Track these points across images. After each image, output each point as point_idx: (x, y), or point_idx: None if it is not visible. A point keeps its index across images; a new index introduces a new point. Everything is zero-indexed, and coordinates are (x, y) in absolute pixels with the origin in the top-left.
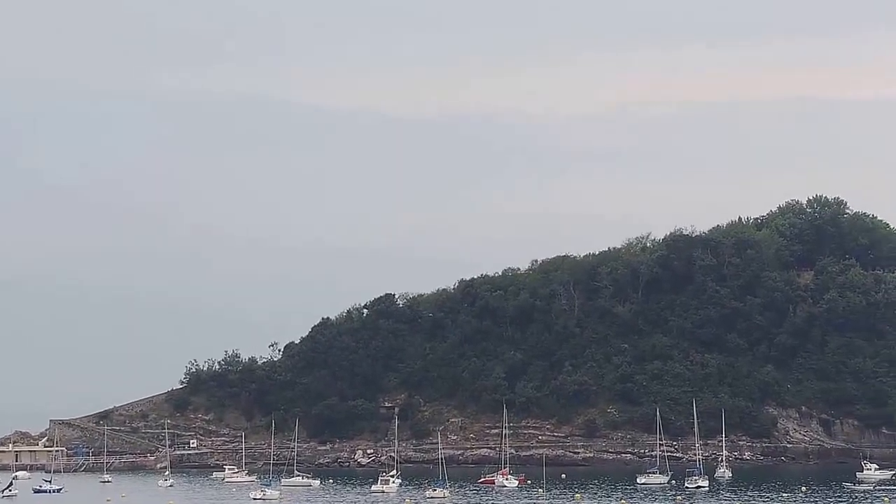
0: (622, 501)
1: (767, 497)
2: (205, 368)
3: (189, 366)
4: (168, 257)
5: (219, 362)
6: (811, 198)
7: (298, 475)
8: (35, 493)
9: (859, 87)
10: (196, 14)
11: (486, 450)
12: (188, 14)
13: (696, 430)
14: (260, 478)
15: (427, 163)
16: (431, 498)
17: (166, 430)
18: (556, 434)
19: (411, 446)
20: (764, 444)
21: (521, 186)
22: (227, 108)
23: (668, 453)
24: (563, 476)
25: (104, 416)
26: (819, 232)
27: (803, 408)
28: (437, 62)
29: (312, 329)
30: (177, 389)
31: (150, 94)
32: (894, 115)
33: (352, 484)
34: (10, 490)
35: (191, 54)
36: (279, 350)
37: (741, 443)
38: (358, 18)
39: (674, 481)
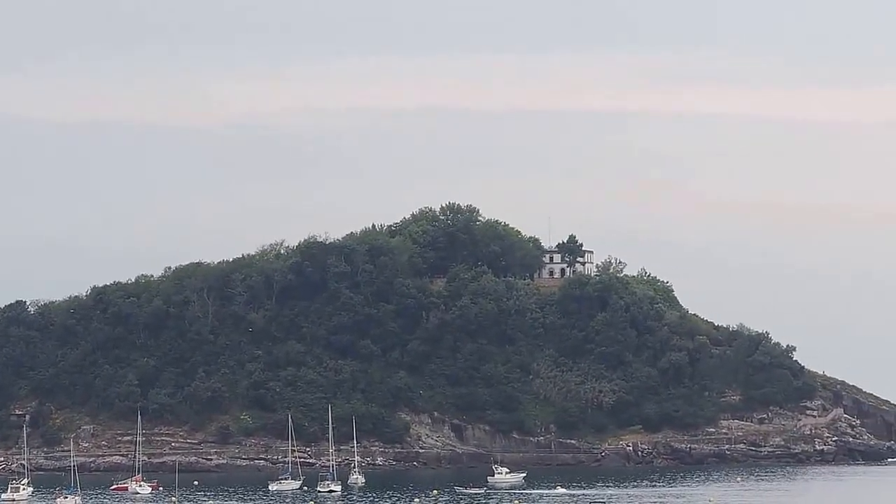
0: None
1: (399, 501)
2: None
3: None
4: None
5: None
6: (444, 205)
7: None
8: None
9: (490, 98)
10: None
11: (118, 457)
12: None
13: (330, 436)
14: None
15: None
16: None
17: None
18: (189, 441)
19: (42, 454)
20: (397, 450)
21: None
22: None
23: (302, 459)
24: (196, 483)
25: None
26: (452, 239)
27: (435, 413)
28: None
29: None
30: None
31: None
32: (524, 125)
33: None
34: None
35: None
36: None
37: (374, 448)
38: None
39: (306, 487)
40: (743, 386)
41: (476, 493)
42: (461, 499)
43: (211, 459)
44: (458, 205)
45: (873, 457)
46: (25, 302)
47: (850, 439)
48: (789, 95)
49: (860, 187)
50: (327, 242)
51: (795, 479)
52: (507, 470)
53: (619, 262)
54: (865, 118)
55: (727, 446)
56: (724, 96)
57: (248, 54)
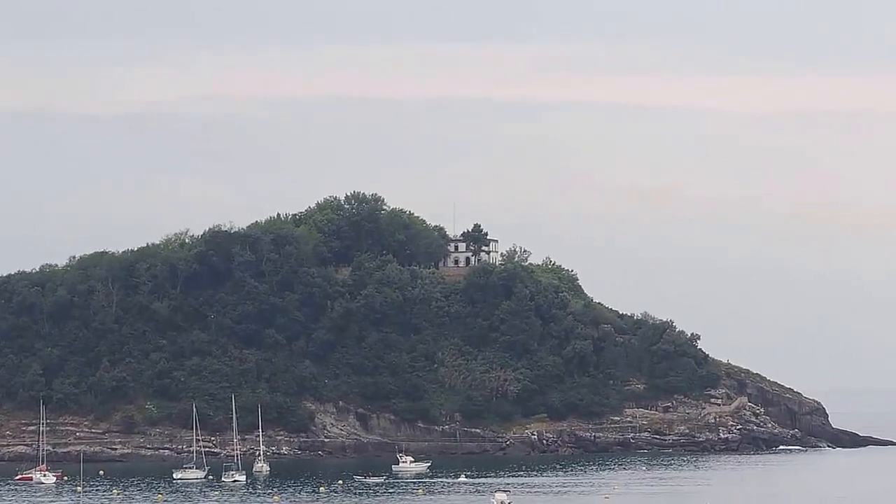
0: (159, 496)
1: (306, 491)
2: None
3: None
4: None
5: None
6: (349, 194)
7: None
8: None
9: (396, 88)
10: None
11: (22, 447)
12: None
13: (234, 425)
14: None
15: None
16: None
17: None
18: (94, 430)
19: None
20: (302, 439)
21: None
22: None
23: (207, 449)
24: (102, 472)
25: None
26: (357, 228)
27: (341, 402)
28: None
29: None
30: None
31: None
32: (430, 114)
33: None
34: None
35: None
36: None
37: (279, 437)
38: None
39: (211, 476)
40: (647, 374)
41: (376, 482)
42: (362, 488)
43: (116, 449)
44: (363, 194)
45: (777, 445)
46: None
47: (755, 427)
48: (696, 85)
49: (768, 179)
50: (232, 231)
51: (699, 468)
52: (412, 459)
53: (524, 251)
54: (763, 109)
55: (632, 435)
56: (632, 86)
57: (153, 42)
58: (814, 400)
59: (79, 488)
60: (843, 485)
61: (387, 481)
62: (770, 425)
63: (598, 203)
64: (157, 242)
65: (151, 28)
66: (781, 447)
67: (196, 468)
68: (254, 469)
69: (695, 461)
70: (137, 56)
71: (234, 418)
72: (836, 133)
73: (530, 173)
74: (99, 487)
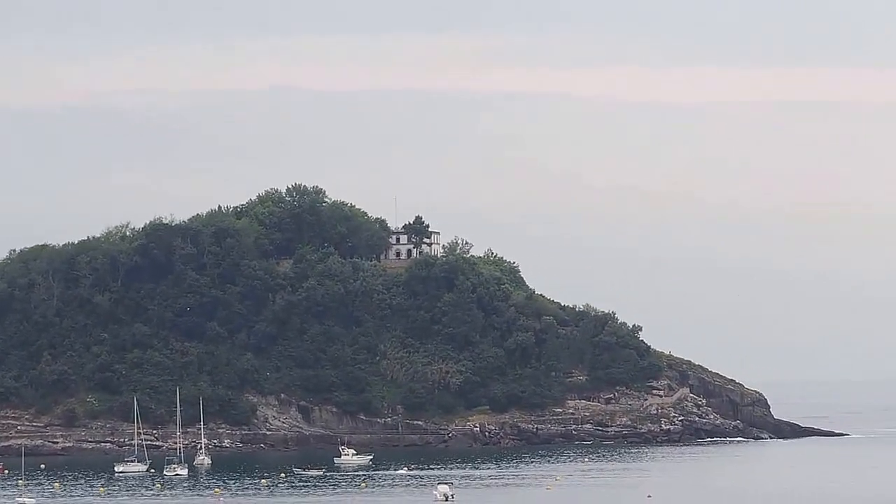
0: (101, 489)
1: (248, 484)
2: None
3: None
4: None
5: None
6: (290, 186)
7: None
8: None
9: (338, 79)
10: None
11: None
12: None
13: (178, 418)
14: None
15: None
16: None
17: None
18: (35, 424)
19: None
20: (244, 432)
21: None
22: None
23: (149, 442)
24: (43, 466)
25: None
26: (298, 220)
27: (282, 395)
28: None
29: None
30: None
31: None
32: (372, 106)
33: None
34: None
35: None
36: None
37: (221, 430)
38: None
39: (153, 470)
40: (589, 366)
41: (315, 475)
42: (304, 481)
43: (57, 443)
44: (305, 186)
45: (719, 436)
46: None
47: (696, 419)
48: (638, 76)
49: (700, 176)
50: (173, 224)
51: (640, 459)
52: (354, 451)
53: (466, 243)
54: (700, 98)
55: (574, 426)
56: (572, 77)
57: (94, 35)
58: (755, 391)
59: (20, 482)
60: (781, 475)
61: (325, 474)
62: (712, 416)
63: (539, 195)
64: (98, 235)
65: (92, 20)
66: (723, 438)
67: (138, 461)
68: (195, 462)
69: (637, 452)
70: (78, 49)
71: (178, 411)
72: (751, 123)
73: (471, 165)
74: (40, 481)
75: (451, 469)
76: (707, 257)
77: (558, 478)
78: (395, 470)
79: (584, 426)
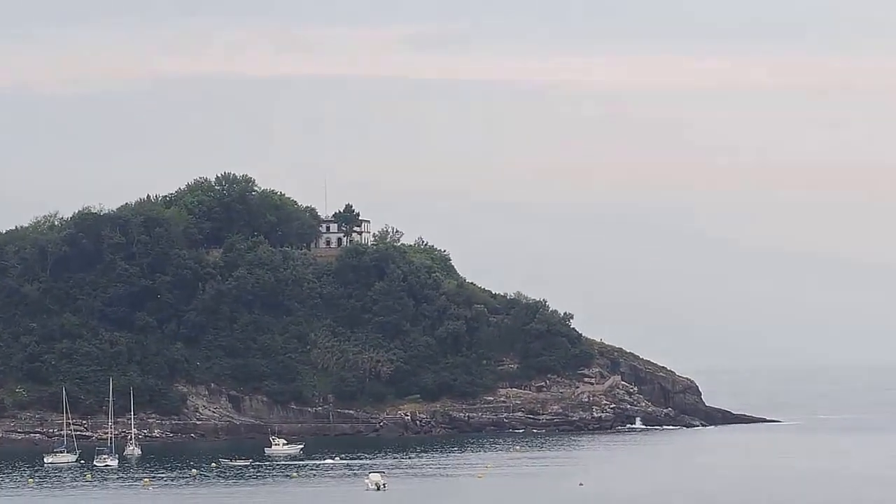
0: (29, 480)
1: (178, 474)
2: None
3: None
4: None
5: None
6: (219, 175)
7: None
8: None
9: (264, 66)
10: None
11: None
12: None
13: (110, 408)
14: None
15: None
16: None
17: None
18: None
19: None
20: (174, 422)
21: None
22: None
23: (78, 432)
24: None
25: None
26: (228, 209)
27: (213, 384)
28: None
29: None
30: None
31: None
32: (300, 93)
33: None
34: None
35: None
36: None
37: (151, 420)
38: None
39: (83, 460)
40: (521, 354)
41: (242, 465)
42: (234, 471)
43: None
44: (234, 174)
45: (650, 423)
46: None
47: (628, 406)
48: (559, 61)
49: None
50: (102, 213)
51: (572, 447)
52: (285, 441)
53: (396, 232)
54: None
55: (505, 415)
56: (498, 63)
57: (22, 21)
58: (687, 378)
59: None
60: (711, 460)
61: (252, 464)
62: (643, 404)
63: (469, 182)
64: (26, 225)
65: (21, 6)
66: (654, 425)
67: (67, 452)
68: (125, 452)
69: (568, 440)
70: (5, 35)
71: (110, 401)
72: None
73: (401, 152)
74: None
75: (383, 458)
76: (638, 245)
77: (489, 465)
78: (326, 459)
79: (515, 414)
